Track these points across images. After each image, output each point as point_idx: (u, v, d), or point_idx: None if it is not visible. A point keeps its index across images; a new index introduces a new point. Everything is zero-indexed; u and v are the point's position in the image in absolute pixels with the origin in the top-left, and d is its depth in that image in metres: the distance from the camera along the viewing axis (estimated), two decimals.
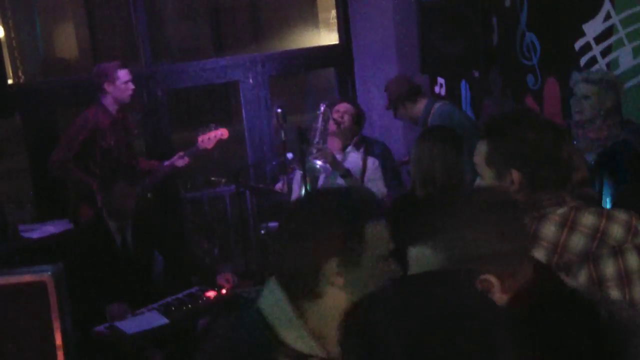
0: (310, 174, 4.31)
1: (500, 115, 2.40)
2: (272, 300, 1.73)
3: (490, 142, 2.23)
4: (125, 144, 5.28)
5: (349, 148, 4.83)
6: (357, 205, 1.77)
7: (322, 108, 4.60)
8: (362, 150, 4.86)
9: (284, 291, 1.72)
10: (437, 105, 4.97)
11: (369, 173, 4.72)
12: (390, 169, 5.00)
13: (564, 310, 1.65)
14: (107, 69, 5.14)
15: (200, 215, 6.57)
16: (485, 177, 2.26)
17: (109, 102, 5.12)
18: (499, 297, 1.59)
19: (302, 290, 1.72)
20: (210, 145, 5.27)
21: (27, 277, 3.57)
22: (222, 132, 5.26)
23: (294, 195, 4.74)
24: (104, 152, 5.12)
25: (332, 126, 4.72)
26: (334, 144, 4.73)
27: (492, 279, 1.57)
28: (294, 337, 1.69)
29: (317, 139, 4.47)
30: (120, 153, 5.21)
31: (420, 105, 4.94)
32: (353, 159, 4.77)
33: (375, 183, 4.68)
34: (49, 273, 3.56)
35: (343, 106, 4.87)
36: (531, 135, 2.18)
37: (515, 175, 2.18)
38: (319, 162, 4.38)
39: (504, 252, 1.60)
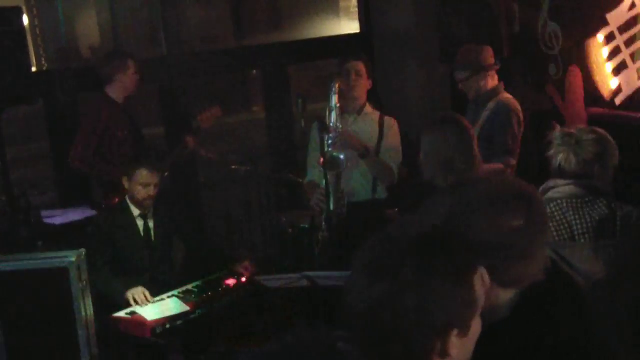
0: (331, 165, 4.19)
1: None
2: None
3: None
4: (135, 132, 5.33)
5: (367, 108, 4.61)
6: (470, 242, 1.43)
7: (333, 88, 4.29)
8: (378, 112, 4.65)
9: None
10: (506, 95, 4.58)
11: (387, 140, 4.51)
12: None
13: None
14: (121, 58, 5.23)
15: (220, 203, 6.59)
16: None
17: (117, 91, 5.18)
18: (494, 293, 1.50)
19: None
20: (208, 125, 5.38)
21: (49, 263, 3.63)
22: (216, 110, 5.39)
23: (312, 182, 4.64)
24: (121, 142, 5.17)
25: (346, 85, 4.43)
26: (349, 106, 4.52)
27: (485, 272, 1.43)
28: None
29: (332, 121, 4.23)
30: (135, 141, 5.26)
31: (492, 83, 4.58)
32: (370, 121, 4.57)
33: (390, 154, 4.49)
34: (71, 259, 3.61)
35: (354, 65, 4.54)
36: None
37: None
38: (341, 155, 4.18)
39: (502, 243, 1.51)
